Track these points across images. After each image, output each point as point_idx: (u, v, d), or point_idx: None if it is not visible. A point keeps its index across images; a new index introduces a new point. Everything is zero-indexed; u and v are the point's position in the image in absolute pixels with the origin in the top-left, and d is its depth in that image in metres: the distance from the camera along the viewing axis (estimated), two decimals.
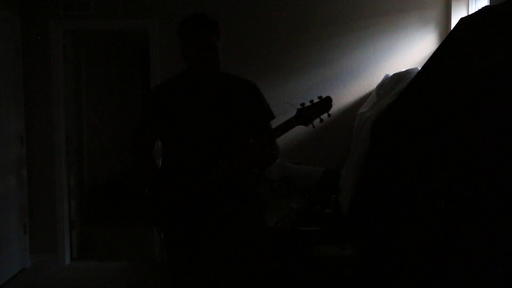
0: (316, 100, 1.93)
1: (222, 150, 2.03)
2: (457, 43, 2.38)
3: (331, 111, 1.94)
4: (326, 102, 1.93)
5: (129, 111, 6.77)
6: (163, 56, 4.16)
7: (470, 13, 3.80)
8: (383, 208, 2.74)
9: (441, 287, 2.19)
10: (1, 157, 3.84)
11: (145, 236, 4.80)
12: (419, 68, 2.89)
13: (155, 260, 4.28)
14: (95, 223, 5.54)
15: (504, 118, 1.92)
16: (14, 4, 4.08)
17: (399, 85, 3.21)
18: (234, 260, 2.17)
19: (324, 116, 1.94)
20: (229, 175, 2.02)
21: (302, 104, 1.94)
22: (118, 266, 4.25)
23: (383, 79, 3.81)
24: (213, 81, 2.11)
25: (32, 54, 4.18)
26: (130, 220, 5.71)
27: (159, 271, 4.06)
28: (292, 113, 1.97)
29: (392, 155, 2.66)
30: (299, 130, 4.11)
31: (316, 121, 1.94)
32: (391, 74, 3.69)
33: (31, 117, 4.20)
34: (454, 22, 3.78)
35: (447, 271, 2.14)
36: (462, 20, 2.45)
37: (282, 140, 4.23)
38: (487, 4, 3.35)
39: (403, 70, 3.63)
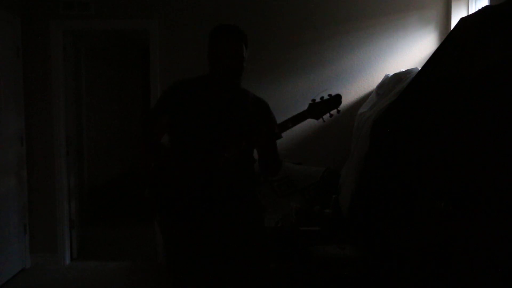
0: (326, 97, 2.06)
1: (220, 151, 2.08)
2: (457, 43, 2.38)
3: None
4: (336, 99, 2.05)
5: (129, 111, 6.77)
6: (163, 56, 4.16)
7: (470, 13, 3.80)
8: (383, 208, 2.74)
9: (441, 287, 2.19)
10: (1, 157, 3.84)
11: (145, 236, 4.80)
12: (419, 68, 2.89)
13: (155, 260, 4.28)
14: (95, 223, 5.54)
15: (504, 118, 1.92)
16: (14, 4, 4.08)
17: (399, 85, 3.21)
18: (234, 260, 2.18)
19: (334, 111, 2.06)
20: (237, 157, 2.08)
21: (313, 100, 2.06)
22: (118, 266, 4.25)
23: (383, 79, 3.80)
24: (231, 89, 2.19)
25: (32, 54, 4.18)
26: (130, 220, 5.71)
27: (159, 271, 4.06)
28: (291, 111, 2.10)
29: (392, 155, 2.66)
30: (299, 130, 4.16)
31: (326, 116, 2.07)
32: (391, 74, 3.69)
33: (31, 117, 4.20)
34: (454, 22, 3.78)
35: (447, 271, 2.14)
36: (462, 20, 2.45)
37: (282, 140, 4.25)
38: (487, 4, 3.35)
39: (403, 70, 3.62)
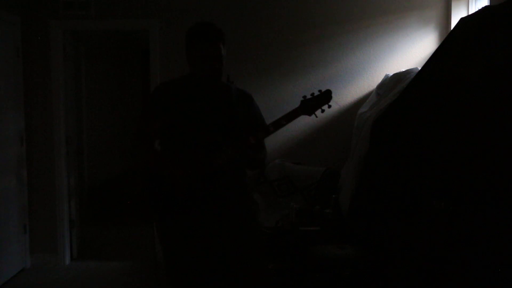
0: (317, 93, 2.12)
1: (217, 151, 2.10)
2: (457, 43, 2.38)
3: (335, 108, 2.09)
4: (326, 95, 2.11)
5: (129, 111, 6.76)
6: (163, 56, 4.16)
7: (470, 13, 3.80)
8: (383, 208, 2.74)
9: (441, 287, 2.20)
10: (1, 157, 3.84)
11: (145, 236, 4.80)
12: (419, 68, 2.89)
13: (155, 260, 4.28)
14: (95, 223, 5.54)
15: (504, 118, 1.92)
16: (14, 4, 4.08)
17: (399, 85, 3.21)
18: (231, 259, 2.19)
19: (325, 107, 2.13)
20: (234, 158, 2.10)
21: (304, 97, 2.12)
22: (118, 266, 4.25)
23: (383, 79, 3.81)
24: (214, 87, 2.20)
25: (32, 54, 4.18)
26: (130, 220, 5.71)
27: (159, 271, 4.05)
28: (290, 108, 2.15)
29: (392, 155, 2.66)
30: (299, 129, 4.16)
31: (318, 112, 2.13)
32: (391, 74, 3.69)
33: (31, 117, 4.20)
34: (454, 22, 3.77)
35: (447, 271, 2.14)
36: (462, 20, 2.45)
37: (282, 140, 4.28)
38: (487, 4, 3.35)
39: (403, 70, 3.63)
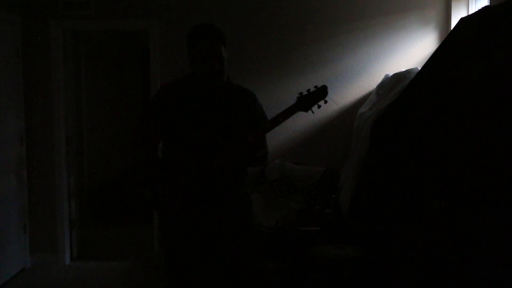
0: (312, 89, 2.14)
1: (217, 151, 2.10)
2: (457, 43, 2.38)
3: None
4: (322, 90, 2.14)
5: (129, 111, 6.76)
6: (163, 56, 4.16)
7: (470, 13, 3.80)
8: (383, 208, 2.74)
9: (441, 287, 2.20)
10: (1, 157, 3.84)
11: (145, 236, 4.79)
12: (419, 68, 2.89)
13: (155, 260, 4.28)
14: (95, 223, 5.54)
15: (504, 118, 1.92)
16: (14, 4, 4.08)
17: (399, 85, 3.21)
18: (231, 260, 2.19)
19: (321, 102, 2.14)
20: (234, 158, 2.11)
21: (300, 93, 2.14)
22: (118, 266, 4.25)
23: (383, 79, 3.81)
24: (214, 88, 2.20)
25: (32, 54, 4.18)
26: (130, 220, 5.71)
27: (159, 271, 4.06)
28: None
29: (392, 155, 2.66)
30: (299, 129, 4.16)
31: (315, 108, 2.15)
32: (391, 74, 3.69)
33: (31, 117, 4.20)
34: (454, 22, 3.77)
35: (447, 271, 2.14)
36: (462, 20, 2.45)
37: (282, 140, 4.28)
38: (487, 4, 3.35)
39: (403, 70, 3.62)
